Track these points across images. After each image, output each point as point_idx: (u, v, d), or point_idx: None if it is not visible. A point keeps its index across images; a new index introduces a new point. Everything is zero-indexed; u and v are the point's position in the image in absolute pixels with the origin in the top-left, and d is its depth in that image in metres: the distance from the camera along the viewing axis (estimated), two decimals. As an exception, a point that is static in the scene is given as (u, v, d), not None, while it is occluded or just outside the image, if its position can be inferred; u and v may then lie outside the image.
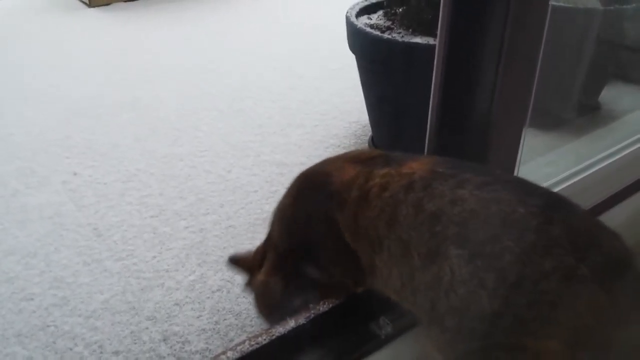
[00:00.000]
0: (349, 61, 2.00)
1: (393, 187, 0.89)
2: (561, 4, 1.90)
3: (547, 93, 1.09)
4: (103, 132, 2.18)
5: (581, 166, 1.46)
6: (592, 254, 0.78)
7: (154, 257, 1.57)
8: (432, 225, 0.83)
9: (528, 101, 1.06)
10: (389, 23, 1.83)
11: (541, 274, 0.77)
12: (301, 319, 1.08)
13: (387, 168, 0.92)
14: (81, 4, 3.55)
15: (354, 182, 0.94)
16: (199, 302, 1.41)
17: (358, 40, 1.83)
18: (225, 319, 1.37)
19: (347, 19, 1.87)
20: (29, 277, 1.50)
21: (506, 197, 0.81)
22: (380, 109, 1.94)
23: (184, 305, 1.41)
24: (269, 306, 1.15)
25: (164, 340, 1.32)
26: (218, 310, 1.39)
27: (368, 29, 1.77)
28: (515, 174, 1.14)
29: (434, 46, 1.02)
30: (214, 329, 1.34)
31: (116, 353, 1.29)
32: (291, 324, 1.07)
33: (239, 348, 1.03)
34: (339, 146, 2.08)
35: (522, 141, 1.09)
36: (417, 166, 0.90)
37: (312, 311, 1.09)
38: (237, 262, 1.22)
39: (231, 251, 1.57)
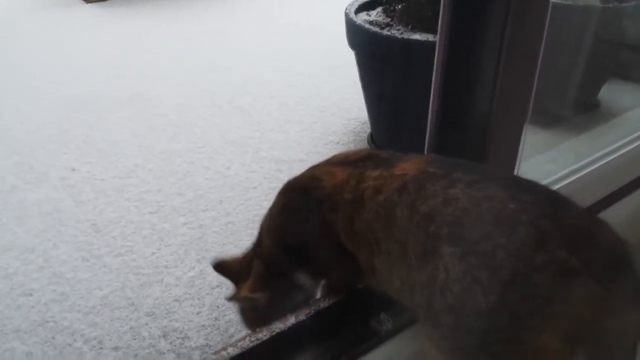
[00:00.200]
0: (348, 58, 2.00)
1: (387, 190, 0.89)
2: (560, 1, 1.90)
3: (546, 91, 1.09)
4: (101, 128, 2.18)
5: (581, 164, 1.46)
6: (585, 246, 0.79)
7: (153, 253, 1.57)
8: (426, 225, 0.83)
9: (528, 99, 1.06)
10: (388, 19, 1.83)
11: (534, 268, 0.77)
12: (301, 315, 1.08)
13: (379, 170, 0.92)
14: (78, 0, 3.54)
15: (346, 184, 0.94)
16: (198, 298, 1.41)
17: (357, 36, 1.83)
18: (224, 315, 1.37)
19: (346, 15, 1.86)
20: (27, 272, 1.50)
21: (497, 194, 0.82)
22: (380, 105, 1.94)
23: (183, 301, 1.41)
24: (255, 321, 1.14)
25: (164, 336, 1.32)
26: (217, 307, 1.39)
27: (367, 26, 1.77)
28: (515, 171, 1.14)
29: (433, 43, 1.02)
30: (213, 325, 1.34)
31: (116, 349, 1.29)
32: (292, 320, 1.07)
33: (239, 344, 1.03)
34: (337, 143, 2.08)
35: (522, 139, 1.09)
36: (408, 167, 0.90)
37: (313, 307, 1.09)
38: (221, 268, 1.19)
39: (231, 247, 1.57)
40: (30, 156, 2.00)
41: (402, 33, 1.72)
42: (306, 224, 1.01)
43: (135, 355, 1.28)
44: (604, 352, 0.82)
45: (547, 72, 1.06)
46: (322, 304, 1.11)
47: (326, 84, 2.52)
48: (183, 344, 1.30)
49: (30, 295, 1.43)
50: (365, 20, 1.82)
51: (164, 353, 1.28)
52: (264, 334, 1.05)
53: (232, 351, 1.01)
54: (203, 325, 1.34)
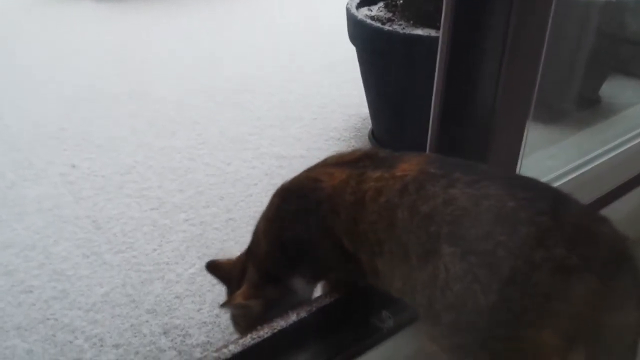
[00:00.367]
0: (349, 54, 1.99)
1: (388, 192, 0.89)
2: (562, -4, 1.89)
3: (547, 86, 1.09)
4: (101, 125, 2.17)
5: (582, 160, 1.46)
6: (584, 243, 0.79)
7: (154, 249, 1.56)
8: (426, 225, 0.84)
9: (531, 94, 1.05)
10: (389, 15, 1.82)
11: (533, 265, 0.77)
12: (303, 313, 1.08)
13: (380, 171, 0.92)
14: (78, -5, 3.53)
15: (347, 185, 0.94)
16: (199, 295, 1.41)
17: (359, 32, 1.82)
18: (226, 312, 1.36)
19: (348, 10, 1.86)
20: (28, 269, 1.50)
21: (496, 192, 0.82)
22: (381, 101, 1.94)
23: (184, 298, 1.41)
24: (248, 327, 1.13)
25: (165, 333, 1.32)
26: (219, 303, 1.38)
27: (369, 21, 1.76)
28: (517, 167, 1.14)
29: (435, 38, 1.02)
30: (214, 322, 1.34)
31: (116, 346, 1.29)
32: (293, 317, 1.06)
33: (240, 341, 1.02)
34: (338, 139, 2.08)
35: (525, 134, 1.09)
36: (408, 167, 0.90)
37: (314, 305, 1.09)
38: (214, 270, 1.18)
39: (232, 244, 1.57)
40: (30, 152, 1.99)
41: (403, 28, 1.71)
42: (306, 227, 1.00)
43: (136, 352, 1.28)
44: (604, 349, 0.82)
45: (548, 67, 1.06)
46: (323, 302, 1.11)
47: (326, 80, 2.51)
48: (184, 341, 1.30)
49: (31, 292, 1.43)
50: (367, 15, 1.81)
51: (164, 350, 1.28)
52: (265, 332, 1.04)
53: (233, 348, 1.01)
54: (204, 322, 1.34)
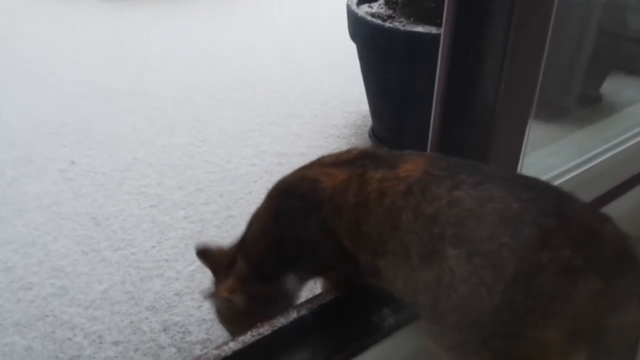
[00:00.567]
0: (349, 51, 1.99)
1: (392, 193, 0.88)
2: (563, -7, 1.88)
3: (548, 84, 1.09)
4: (100, 121, 2.17)
5: (583, 158, 1.45)
6: (589, 243, 0.79)
7: (153, 246, 1.56)
8: (430, 227, 0.84)
9: (533, 92, 1.05)
10: (390, 12, 1.81)
11: (538, 267, 0.77)
12: (303, 310, 1.07)
13: (381, 171, 0.91)
14: (77, -9, 3.52)
15: (348, 186, 0.93)
16: (199, 292, 1.41)
17: (359, 29, 1.81)
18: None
19: (348, 7, 1.85)
20: (27, 266, 1.49)
21: (500, 194, 0.82)
22: (381, 98, 1.93)
23: (184, 295, 1.40)
24: (231, 322, 1.13)
25: (164, 330, 1.31)
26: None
27: (369, 18, 1.76)
28: (519, 165, 1.13)
29: (436, 35, 1.02)
30: (214, 319, 1.33)
31: (116, 343, 1.29)
32: (293, 315, 1.06)
33: (240, 339, 1.02)
34: (338, 136, 2.07)
35: (526, 133, 1.08)
36: (412, 168, 0.89)
37: (315, 302, 1.09)
38: (204, 256, 1.17)
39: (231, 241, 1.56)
40: (29, 149, 1.99)
41: (404, 25, 1.71)
42: (306, 228, 1.00)
43: (136, 349, 1.27)
44: (606, 349, 0.82)
45: (549, 65, 1.05)
46: (324, 299, 1.11)
47: (327, 77, 2.50)
48: (184, 338, 1.30)
49: (30, 289, 1.42)
50: (367, 12, 1.81)
51: (164, 347, 1.28)
52: (265, 329, 1.04)
53: (233, 346, 1.01)
54: (204, 320, 1.34)
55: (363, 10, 1.83)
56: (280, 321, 1.05)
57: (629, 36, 2.08)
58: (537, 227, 0.78)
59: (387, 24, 1.72)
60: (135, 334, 1.31)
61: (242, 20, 3.20)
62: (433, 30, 1.66)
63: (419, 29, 1.69)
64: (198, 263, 1.49)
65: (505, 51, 0.97)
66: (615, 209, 1.40)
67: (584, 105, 2.06)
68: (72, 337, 1.30)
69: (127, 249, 1.55)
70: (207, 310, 1.36)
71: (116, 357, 1.26)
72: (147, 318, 1.34)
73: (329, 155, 1.02)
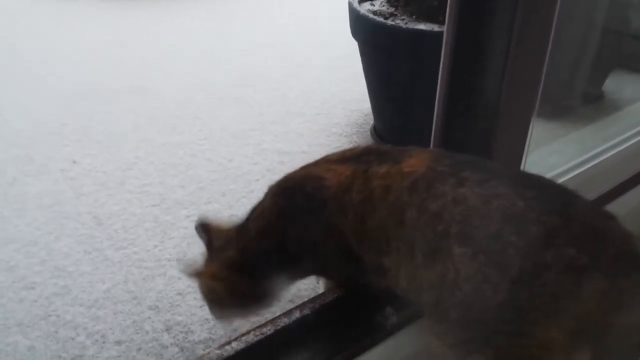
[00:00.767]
0: (350, 49, 1.98)
1: (397, 189, 0.88)
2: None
3: (550, 82, 1.08)
4: (101, 120, 2.16)
5: (586, 156, 1.45)
6: (593, 242, 0.79)
7: (156, 246, 1.56)
8: (435, 224, 0.83)
9: (537, 89, 1.04)
10: (392, 9, 1.81)
11: (543, 265, 0.77)
12: (306, 310, 1.07)
13: (385, 166, 0.91)
14: (78, -10, 3.51)
15: (352, 183, 0.93)
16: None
17: (361, 27, 1.81)
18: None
19: (350, 5, 1.84)
20: (29, 265, 1.49)
21: (505, 192, 0.82)
22: (383, 96, 1.93)
23: (186, 294, 1.40)
24: (212, 302, 1.11)
25: (167, 330, 1.31)
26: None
27: (371, 16, 1.75)
28: (522, 163, 1.13)
29: (438, 33, 1.01)
30: (217, 318, 1.34)
31: (118, 343, 1.28)
32: (296, 314, 1.06)
33: (243, 338, 1.02)
34: (340, 134, 2.07)
35: (530, 130, 1.08)
36: (416, 163, 0.89)
37: (318, 302, 1.09)
38: (203, 231, 1.14)
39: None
40: (31, 148, 1.99)
41: (406, 23, 1.70)
42: (310, 228, 0.99)
43: (139, 349, 1.27)
44: (609, 348, 0.82)
45: (552, 62, 1.05)
46: (326, 299, 1.11)
47: (328, 75, 2.50)
48: (186, 337, 1.30)
49: (33, 288, 1.42)
50: (369, 10, 1.80)
51: (167, 347, 1.28)
52: (268, 328, 1.04)
53: (236, 345, 1.01)
54: (206, 319, 1.34)
55: (365, 8, 1.83)
56: (283, 320, 1.06)
57: (631, 34, 2.07)
58: (542, 226, 0.78)
59: (389, 22, 1.72)
60: (137, 333, 1.31)
61: (243, 19, 3.19)
62: (435, 28, 1.65)
63: (421, 26, 1.68)
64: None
65: (509, 49, 0.97)
66: (618, 207, 1.40)
67: (587, 103, 2.05)
68: (75, 337, 1.30)
69: (130, 249, 1.55)
70: (210, 309, 1.36)
71: (119, 356, 1.26)
72: (149, 317, 1.34)
73: (335, 153, 1.02)
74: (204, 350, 1.26)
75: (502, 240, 0.78)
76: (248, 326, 1.30)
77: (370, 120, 2.10)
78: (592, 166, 1.42)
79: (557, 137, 1.66)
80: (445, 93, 1.03)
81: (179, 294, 1.41)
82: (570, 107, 1.97)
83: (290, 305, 1.28)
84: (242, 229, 1.08)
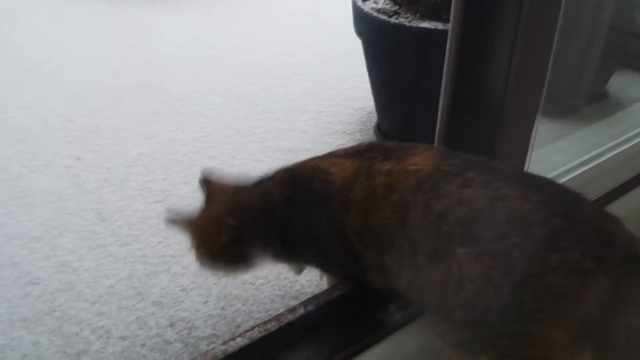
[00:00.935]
0: (354, 47, 1.98)
1: (401, 188, 0.88)
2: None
3: (554, 80, 1.09)
4: (105, 117, 2.17)
5: (590, 155, 1.45)
6: (598, 245, 0.79)
7: (160, 242, 1.56)
8: (439, 225, 0.83)
9: (542, 88, 1.04)
10: (396, 7, 1.80)
11: (548, 268, 0.77)
12: (310, 306, 1.08)
13: (389, 163, 0.91)
14: (82, -14, 3.51)
15: (356, 179, 0.93)
16: (205, 288, 1.41)
17: (365, 25, 1.81)
18: (232, 305, 1.36)
19: (354, 3, 1.84)
20: (34, 261, 1.50)
21: (511, 194, 0.82)
22: (387, 94, 1.93)
23: (190, 290, 1.41)
24: (198, 253, 1.11)
25: (171, 325, 1.32)
26: (225, 296, 1.39)
27: (375, 14, 1.75)
28: (526, 161, 1.13)
29: (442, 31, 1.01)
30: (220, 314, 1.34)
31: (123, 338, 1.29)
32: (300, 311, 1.06)
33: (247, 334, 1.03)
34: (344, 132, 2.07)
35: (534, 129, 1.08)
36: (421, 162, 0.89)
37: (322, 298, 1.09)
38: (205, 185, 1.14)
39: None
40: (35, 144, 1.99)
41: (410, 21, 1.70)
42: (313, 222, 1.00)
43: (142, 344, 1.28)
44: (612, 350, 0.82)
45: (556, 61, 1.05)
46: (330, 296, 1.11)
47: (332, 73, 2.50)
48: (190, 333, 1.30)
49: (37, 284, 1.43)
50: (373, 8, 1.80)
51: (171, 343, 1.28)
52: (272, 324, 1.05)
53: (240, 341, 1.01)
54: (210, 315, 1.34)
55: (369, 6, 1.83)
56: (287, 317, 1.06)
57: (635, 32, 2.07)
58: (547, 228, 0.78)
59: (393, 20, 1.72)
60: (141, 329, 1.31)
61: (247, 17, 3.19)
62: (439, 26, 1.65)
63: (425, 24, 1.68)
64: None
65: (514, 47, 0.97)
66: (622, 206, 1.41)
67: (590, 102, 2.05)
68: (79, 332, 1.30)
69: (133, 245, 1.55)
70: (214, 305, 1.37)
71: (123, 352, 1.26)
72: (153, 313, 1.35)
73: (342, 149, 1.03)
74: (207, 346, 1.26)
75: (507, 242, 0.79)
76: (252, 322, 1.31)
77: (374, 118, 2.10)
78: (596, 165, 1.42)
79: (561, 135, 1.67)
80: (450, 91, 1.03)
81: (183, 289, 1.41)
82: (575, 106, 1.96)
83: (294, 302, 1.29)
84: (243, 193, 1.07)
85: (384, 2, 1.87)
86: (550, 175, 1.36)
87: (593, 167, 1.42)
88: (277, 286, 1.41)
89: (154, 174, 1.85)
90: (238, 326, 1.31)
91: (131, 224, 1.63)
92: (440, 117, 1.07)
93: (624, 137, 1.53)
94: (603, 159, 1.45)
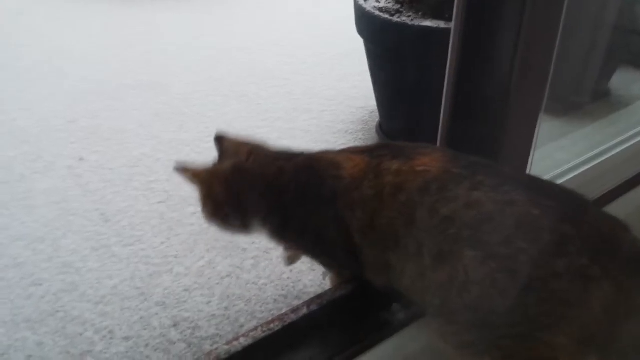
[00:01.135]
0: (354, 46, 1.98)
1: (409, 189, 0.88)
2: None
3: (556, 79, 1.08)
4: (107, 117, 2.17)
5: (592, 153, 1.45)
6: (605, 251, 0.79)
7: (162, 242, 1.56)
8: (446, 227, 0.84)
9: (544, 86, 1.04)
10: (398, 6, 1.80)
11: (554, 274, 0.78)
12: (314, 306, 1.08)
13: (397, 162, 0.91)
14: (83, -13, 3.52)
15: (365, 177, 0.93)
16: (208, 288, 1.41)
17: (367, 24, 1.81)
18: (235, 305, 1.36)
19: (355, 2, 1.84)
20: (37, 262, 1.50)
21: (520, 199, 0.82)
22: (389, 94, 1.93)
23: (193, 291, 1.41)
24: (204, 206, 1.12)
25: (174, 325, 1.32)
26: (228, 296, 1.39)
27: (377, 13, 1.75)
28: (529, 159, 1.13)
29: (445, 30, 1.01)
30: (224, 314, 1.34)
31: (126, 339, 1.29)
32: (304, 310, 1.07)
33: (251, 334, 1.03)
34: (346, 132, 2.07)
35: (537, 127, 1.08)
36: (429, 163, 0.89)
37: (325, 298, 1.09)
38: (219, 143, 1.15)
39: (240, 237, 1.56)
40: (38, 146, 2.00)
41: (412, 20, 1.70)
42: (317, 215, 1.00)
43: (146, 345, 1.28)
44: (616, 355, 0.82)
45: (558, 59, 1.05)
46: (333, 295, 1.11)
47: (334, 72, 2.50)
48: (193, 333, 1.30)
49: (41, 285, 1.43)
50: (375, 7, 1.80)
51: (174, 343, 1.28)
52: (275, 324, 1.05)
53: (244, 341, 1.01)
54: (213, 315, 1.34)
55: (370, 4, 1.82)
56: (291, 317, 1.06)
57: (638, 30, 2.06)
58: (555, 234, 0.79)
59: (395, 19, 1.71)
60: (145, 329, 1.31)
61: (247, 16, 3.19)
62: (442, 24, 1.65)
63: (428, 23, 1.68)
64: (207, 259, 1.50)
65: (516, 46, 0.97)
66: (625, 204, 1.40)
67: (593, 100, 2.05)
68: (83, 333, 1.31)
69: (136, 245, 1.56)
70: (217, 305, 1.37)
71: (127, 352, 1.26)
72: (157, 314, 1.35)
73: (356, 146, 1.03)
74: (211, 346, 1.27)
75: (514, 247, 0.79)
76: (255, 322, 1.31)
77: (376, 117, 2.10)
78: (598, 163, 1.42)
79: (563, 134, 1.66)
80: (453, 90, 1.03)
81: (186, 290, 1.41)
82: (577, 104, 1.96)
83: (297, 302, 1.29)
84: (258, 162, 1.07)
85: (386, 1, 1.87)
86: (552, 173, 1.36)
87: (596, 165, 1.42)
88: (280, 286, 1.41)
89: (157, 174, 1.85)
90: (241, 326, 1.31)
91: (134, 224, 1.63)
92: (442, 116, 1.07)
93: (626, 135, 1.52)
94: (605, 157, 1.45)
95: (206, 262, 1.49)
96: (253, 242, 1.55)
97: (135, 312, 1.36)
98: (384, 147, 0.97)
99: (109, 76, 2.48)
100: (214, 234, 1.59)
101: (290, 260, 1.31)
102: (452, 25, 0.98)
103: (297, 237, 1.08)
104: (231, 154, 1.11)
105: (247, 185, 1.05)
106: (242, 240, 1.55)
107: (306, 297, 1.29)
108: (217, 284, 1.43)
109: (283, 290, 1.41)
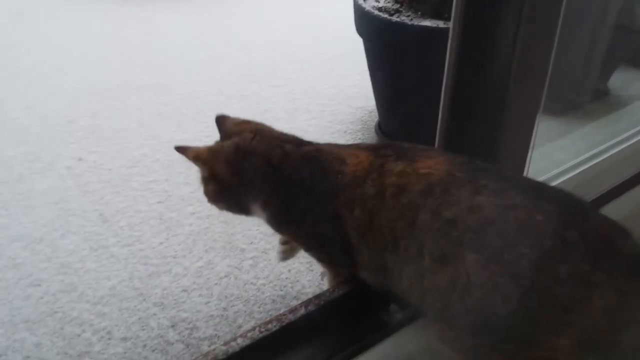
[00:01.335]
0: (354, 46, 1.98)
1: (411, 191, 0.88)
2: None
3: (555, 78, 1.08)
4: (107, 117, 2.17)
5: (591, 153, 1.45)
6: (607, 257, 0.79)
7: (161, 243, 1.56)
8: (448, 231, 0.83)
9: (543, 86, 1.04)
10: (397, 6, 1.80)
11: (556, 279, 0.78)
12: (311, 306, 1.08)
13: (401, 164, 0.91)
14: (83, -13, 3.52)
15: (367, 176, 0.93)
16: (206, 289, 1.41)
17: (366, 23, 1.80)
18: (233, 305, 1.36)
19: (355, 2, 1.84)
20: (35, 263, 1.50)
21: (523, 204, 0.82)
22: (388, 93, 1.92)
23: (191, 291, 1.41)
24: (205, 186, 1.10)
25: (172, 326, 1.32)
26: (226, 297, 1.39)
27: (376, 12, 1.75)
28: (527, 159, 1.13)
29: (444, 29, 1.01)
30: (222, 315, 1.34)
31: (124, 339, 1.29)
32: (301, 311, 1.06)
33: (249, 334, 1.03)
34: (345, 131, 2.07)
35: (536, 127, 1.08)
36: (433, 166, 0.89)
37: (323, 298, 1.09)
38: (220, 124, 1.13)
39: (239, 237, 1.57)
40: (37, 146, 2.00)
41: (412, 20, 1.70)
42: (317, 209, 1.00)
43: (144, 345, 1.28)
44: (618, 359, 0.82)
45: (557, 59, 1.05)
46: (331, 296, 1.11)
47: (333, 72, 2.50)
48: (192, 334, 1.30)
49: (39, 285, 1.43)
50: (374, 6, 1.80)
51: (172, 343, 1.28)
52: (273, 325, 1.04)
53: (241, 342, 1.01)
54: (211, 316, 1.34)
55: (370, 4, 1.82)
56: (289, 317, 1.06)
57: (637, 30, 2.06)
58: (558, 239, 0.79)
59: (394, 18, 1.71)
60: (143, 330, 1.31)
61: (247, 16, 3.19)
62: (441, 24, 1.65)
63: (427, 23, 1.68)
64: (206, 259, 1.50)
65: (515, 45, 0.97)
66: (623, 204, 1.40)
67: (592, 100, 2.05)
68: (81, 333, 1.31)
69: (135, 246, 1.55)
70: (215, 306, 1.37)
71: (125, 353, 1.26)
72: (155, 314, 1.35)
73: (363, 144, 1.03)
74: (209, 346, 1.26)
75: (516, 251, 0.79)
76: (253, 323, 1.31)
77: (375, 117, 2.10)
78: (597, 163, 1.42)
79: (562, 133, 1.66)
80: (451, 90, 1.03)
81: (184, 290, 1.41)
82: (576, 103, 1.96)
83: (295, 302, 1.29)
84: (263, 143, 1.05)
85: (385, 0, 1.87)
86: (551, 172, 1.36)
87: (594, 165, 1.42)
88: (278, 286, 1.41)
89: (156, 174, 1.85)
90: (239, 326, 1.31)
91: (133, 225, 1.63)
92: (440, 116, 1.07)
93: (625, 135, 1.52)
94: (604, 156, 1.44)
95: (205, 263, 1.49)
96: (251, 243, 1.55)
97: (133, 312, 1.36)
98: (389, 147, 0.96)
99: (108, 76, 2.48)
100: (212, 234, 1.59)
101: (285, 255, 1.30)
102: (450, 25, 0.98)
103: (295, 227, 1.07)
104: (234, 133, 1.07)
105: (250, 166, 1.03)
106: (241, 241, 1.55)
107: (304, 298, 1.29)
108: (216, 284, 1.42)
109: (281, 290, 1.40)
